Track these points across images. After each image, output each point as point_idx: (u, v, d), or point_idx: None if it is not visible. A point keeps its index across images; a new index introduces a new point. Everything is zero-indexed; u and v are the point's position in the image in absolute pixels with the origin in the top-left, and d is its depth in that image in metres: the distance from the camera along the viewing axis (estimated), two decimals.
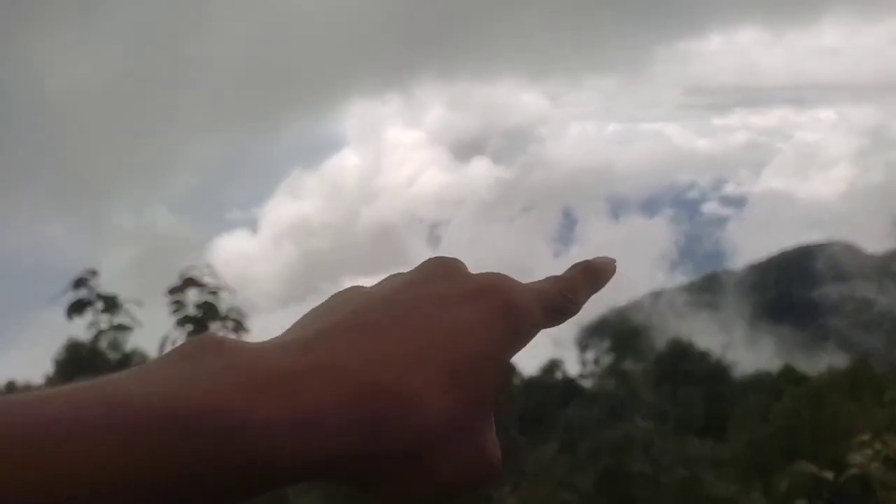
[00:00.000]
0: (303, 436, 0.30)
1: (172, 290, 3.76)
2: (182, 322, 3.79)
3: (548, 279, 0.44)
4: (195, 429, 0.27)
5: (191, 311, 3.80)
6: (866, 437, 3.04)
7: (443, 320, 0.36)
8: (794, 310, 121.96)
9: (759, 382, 37.35)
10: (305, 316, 0.38)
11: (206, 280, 3.79)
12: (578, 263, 0.47)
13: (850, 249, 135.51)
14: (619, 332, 16.46)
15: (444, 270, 0.40)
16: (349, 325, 0.35)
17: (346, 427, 0.31)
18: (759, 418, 27.94)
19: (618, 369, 15.11)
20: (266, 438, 0.29)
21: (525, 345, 0.40)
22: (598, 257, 0.48)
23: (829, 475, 2.90)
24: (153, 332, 3.81)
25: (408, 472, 0.34)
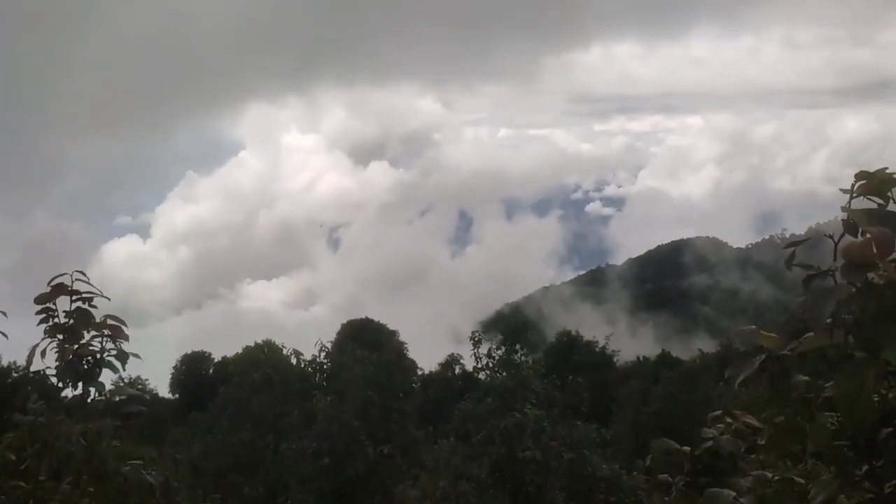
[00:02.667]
0: None
1: (40, 298, 3.53)
2: (52, 331, 3.57)
3: None
4: None
5: (61, 319, 3.59)
6: (719, 412, 3.39)
7: None
8: (669, 300, 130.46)
9: (640, 368, 39.71)
10: None
11: (78, 286, 3.58)
12: None
13: (717, 243, 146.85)
14: (511, 326, 17.00)
15: None
16: None
17: None
18: (639, 402, 29.69)
19: (510, 361, 15.58)
20: None
21: None
22: None
23: (687, 449, 3.20)
24: (24, 342, 3.56)
25: None
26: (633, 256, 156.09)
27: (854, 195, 2.11)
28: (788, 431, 2.32)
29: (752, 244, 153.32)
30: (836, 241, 2.09)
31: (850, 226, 2.04)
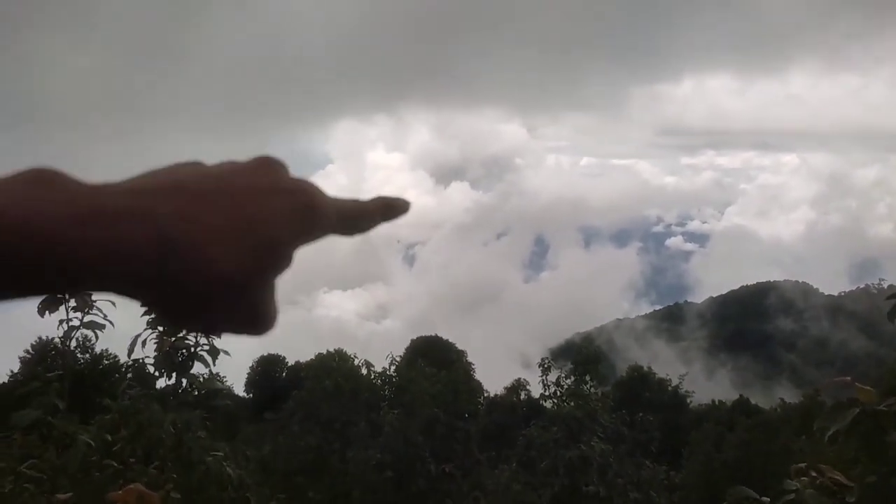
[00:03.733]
0: (107, 257, 0.40)
1: None
2: (153, 323, 3.83)
3: (351, 199, 0.56)
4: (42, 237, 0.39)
5: None
6: (803, 465, 3.26)
7: (254, 206, 0.46)
8: (750, 343, 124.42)
9: (714, 412, 38.00)
10: (149, 171, 0.47)
11: None
12: (379, 197, 0.59)
13: (807, 289, 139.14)
14: (582, 356, 16.68)
15: (267, 168, 0.50)
16: (176, 187, 0.45)
17: (143, 261, 0.41)
18: (712, 447, 28.38)
19: (579, 392, 15.30)
20: (69, 247, 0.39)
21: (314, 240, 0.53)
22: (397, 197, 0.59)
23: (767, 500, 3.09)
24: (125, 331, 3.84)
25: (194, 306, 0.44)
26: (715, 295, 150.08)
27: None
28: (881, 492, 2.21)
29: (845, 292, 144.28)
30: None
31: None
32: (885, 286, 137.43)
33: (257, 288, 0.47)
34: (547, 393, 16.02)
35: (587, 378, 15.72)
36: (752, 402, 41.08)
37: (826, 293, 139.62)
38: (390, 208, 0.58)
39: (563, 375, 15.98)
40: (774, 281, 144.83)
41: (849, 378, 2.32)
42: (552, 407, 16.26)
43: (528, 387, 29.54)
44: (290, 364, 41.04)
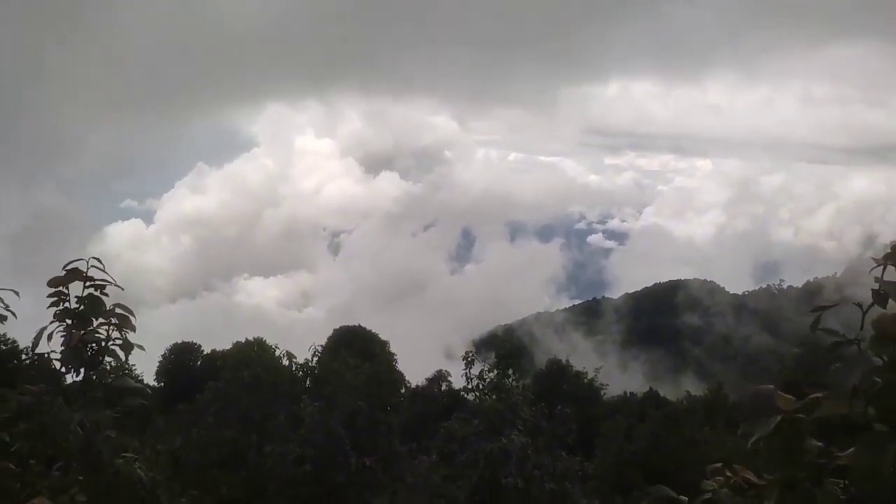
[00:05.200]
0: None
1: (53, 282, 3.53)
2: (61, 316, 3.56)
3: None
4: None
5: (72, 304, 3.58)
6: (718, 465, 3.38)
7: None
8: (662, 338, 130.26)
9: (626, 404, 39.57)
10: None
11: (93, 273, 3.58)
12: None
13: (714, 287, 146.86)
14: (505, 350, 16.93)
15: None
16: None
17: None
18: (624, 438, 29.54)
19: (501, 385, 15.51)
20: None
21: None
22: None
23: (685, 500, 3.18)
24: (31, 322, 3.54)
25: None
26: (630, 291, 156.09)
27: (886, 265, 2.12)
28: (797, 496, 2.30)
29: (748, 291, 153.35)
30: (864, 310, 2.11)
31: (880, 297, 2.05)
32: (786, 286, 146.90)
33: None
34: (469, 386, 16.19)
35: (510, 372, 16.00)
36: (662, 394, 43.05)
37: (731, 292, 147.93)
38: None
39: (486, 369, 16.18)
40: (685, 279, 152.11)
41: (772, 386, 2.40)
42: (474, 400, 16.44)
43: (449, 378, 29.76)
44: (205, 352, 39.69)
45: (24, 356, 19.46)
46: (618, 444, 28.64)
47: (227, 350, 35.70)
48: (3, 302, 3.37)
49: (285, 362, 19.45)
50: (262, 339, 35.78)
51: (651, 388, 44.73)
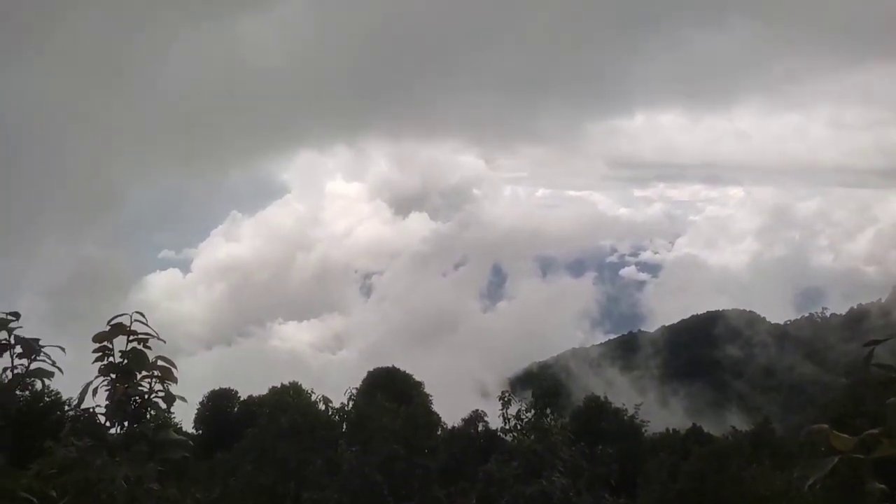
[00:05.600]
0: None
1: (98, 337, 3.61)
2: (106, 370, 3.63)
3: None
4: None
5: (116, 358, 3.65)
6: None
7: None
8: (701, 371, 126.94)
9: (669, 441, 38.42)
10: None
11: (136, 327, 3.66)
12: None
13: (753, 317, 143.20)
14: (542, 389, 16.66)
15: None
16: None
17: None
18: (667, 476, 28.59)
19: (539, 425, 15.22)
20: None
21: None
22: None
23: None
24: (76, 371, 3.62)
25: None
26: (667, 324, 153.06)
27: None
28: None
29: (790, 321, 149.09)
30: None
31: None
32: (829, 314, 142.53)
33: None
34: (507, 426, 15.91)
35: (547, 410, 15.70)
36: (705, 429, 41.71)
37: (772, 321, 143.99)
38: None
39: (523, 408, 15.91)
40: (723, 310, 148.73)
41: (826, 425, 2.32)
42: (512, 440, 16.13)
43: (486, 418, 29.31)
44: (242, 399, 39.87)
45: (66, 407, 19.76)
46: (661, 483, 27.75)
47: (264, 396, 35.86)
48: (49, 358, 3.45)
49: (321, 407, 19.42)
50: (297, 383, 35.89)
51: (694, 424, 43.40)
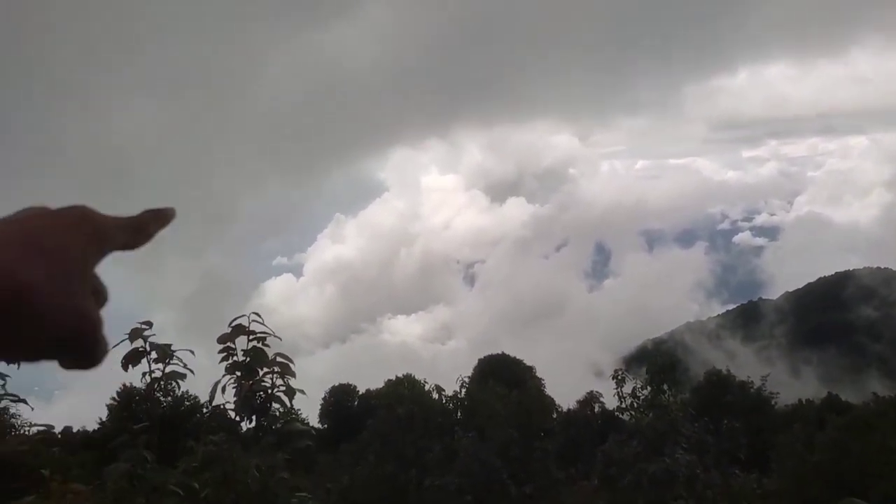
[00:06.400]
0: None
1: (222, 338, 3.89)
2: (231, 369, 3.90)
3: (125, 217, 0.70)
4: None
5: (239, 357, 3.92)
6: None
7: (37, 220, 0.60)
8: (834, 337, 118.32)
9: (802, 412, 36.15)
10: None
11: (254, 327, 3.91)
12: (147, 210, 0.72)
13: (889, 274, 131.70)
14: (657, 364, 16.15)
15: (66, 208, 0.64)
16: None
17: None
18: (803, 449, 26.96)
19: (657, 402, 14.78)
20: None
21: (102, 253, 0.65)
22: (162, 207, 0.73)
23: None
24: (206, 376, 3.93)
25: (10, 320, 0.55)
26: (791, 290, 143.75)
27: None
28: None
29: None
30: None
31: None
32: None
33: (56, 304, 0.58)
34: (623, 405, 15.57)
35: (664, 387, 15.21)
36: (843, 398, 38.93)
37: None
38: (159, 216, 0.72)
39: (638, 386, 15.50)
40: (854, 269, 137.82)
41: None
42: (630, 419, 15.77)
43: (601, 399, 28.88)
44: (361, 392, 41.49)
45: (204, 410, 21.37)
46: (797, 457, 26.21)
47: (380, 389, 37.11)
48: (181, 361, 3.76)
49: (435, 396, 19.85)
50: (411, 375, 36.85)
51: (829, 393, 40.64)
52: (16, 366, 3.52)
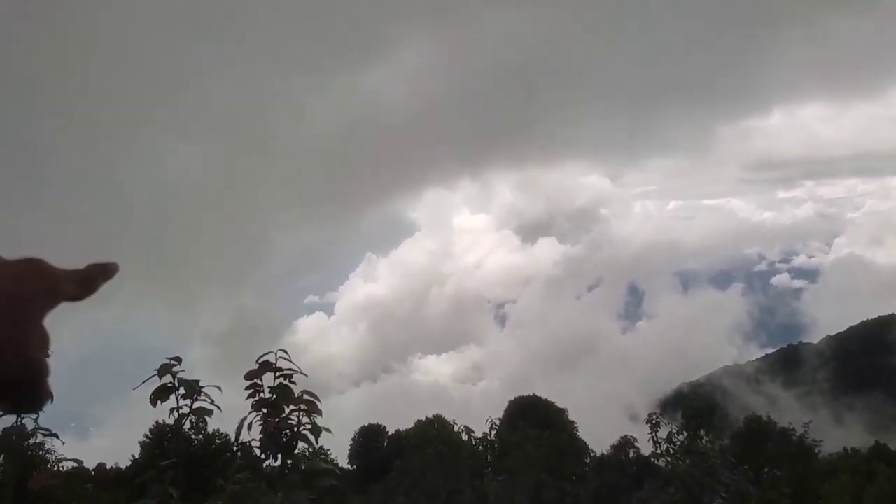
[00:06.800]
0: None
1: (249, 375, 3.90)
2: (258, 406, 3.90)
3: (74, 270, 0.74)
4: None
5: (266, 394, 3.92)
6: None
7: (2, 286, 0.65)
8: (880, 382, 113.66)
9: (849, 461, 34.56)
10: None
11: (281, 364, 3.92)
12: (93, 263, 0.77)
13: None
14: (693, 409, 15.66)
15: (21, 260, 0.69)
16: None
17: None
18: (851, 502, 25.72)
19: (694, 448, 14.30)
20: None
21: (54, 306, 0.70)
22: (107, 262, 0.79)
23: None
24: (234, 413, 3.93)
25: None
26: (833, 333, 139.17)
27: None
28: None
29: None
30: None
31: None
32: None
33: (6, 350, 0.63)
34: (659, 451, 15.08)
35: (701, 432, 14.71)
36: (891, 447, 37.19)
37: None
38: (105, 270, 0.77)
39: (674, 431, 15.01)
40: None
41: None
42: (666, 465, 15.26)
43: (636, 443, 28.12)
44: (390, 433, 41.12)
45: (234, 448, 21.38)
46: None
47: (410, 429, 36.75)
48: (209, 397, 3.77)
49: (465, 437, 19.52)
50: (441, 416, 36.47)
51: (877, 441, 38.87)
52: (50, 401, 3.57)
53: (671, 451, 14.86)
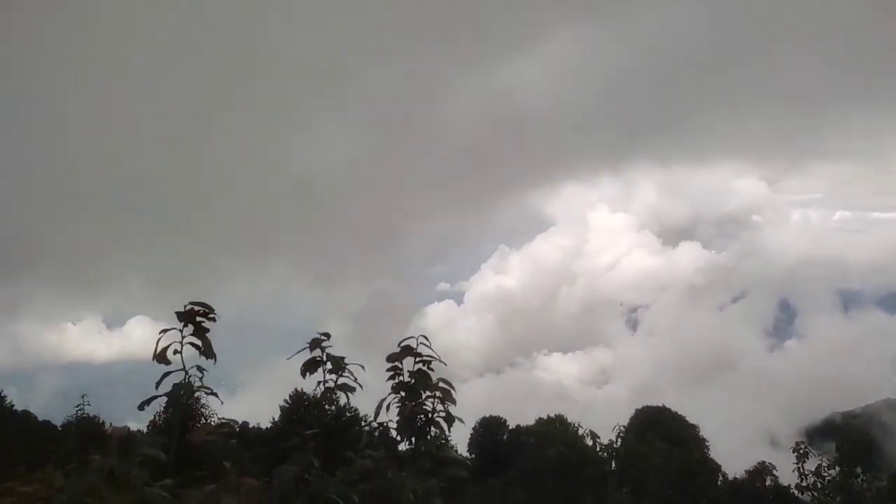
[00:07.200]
0: None
1: (391, 357, 4.00)
2: (397, 388, 4.00)
3: None
4: None
5: (405, 378, 4.01)
6: None
7: None
8: None
9: None
10: None
11: (421, 350, 3.98)
12: None
13: None
14: (850, 443, 14.18)
15: None
16: None
17: None
18: None
19: (847, 485, 12.96)
20: None
21: None
22: None
23: None
24: (373, 393, 4.06)
25: None
26: None
27: None
28: None
29: None
30: None
31: None
32: None
33: None
34: (804, 483, 13.82)
35: (857, 469, 13.29)
36: None
37: None
38: None
39: (824, 464, 13.69)
40: None
41: None
42: (811, 500, 13.95)
43: (775, 472, 26.07)
44: (510, 427, 41.11)
45: (363, 423, 22.38)
46: None
47: (531, 426, 36.52)
48: (352, 374, 3.92)
49: (588, 442, 19.05)
50: (563, 416, 35.91)
51: None
52: (213, 360, 3.87)
53: (819, 485, 13.57)
